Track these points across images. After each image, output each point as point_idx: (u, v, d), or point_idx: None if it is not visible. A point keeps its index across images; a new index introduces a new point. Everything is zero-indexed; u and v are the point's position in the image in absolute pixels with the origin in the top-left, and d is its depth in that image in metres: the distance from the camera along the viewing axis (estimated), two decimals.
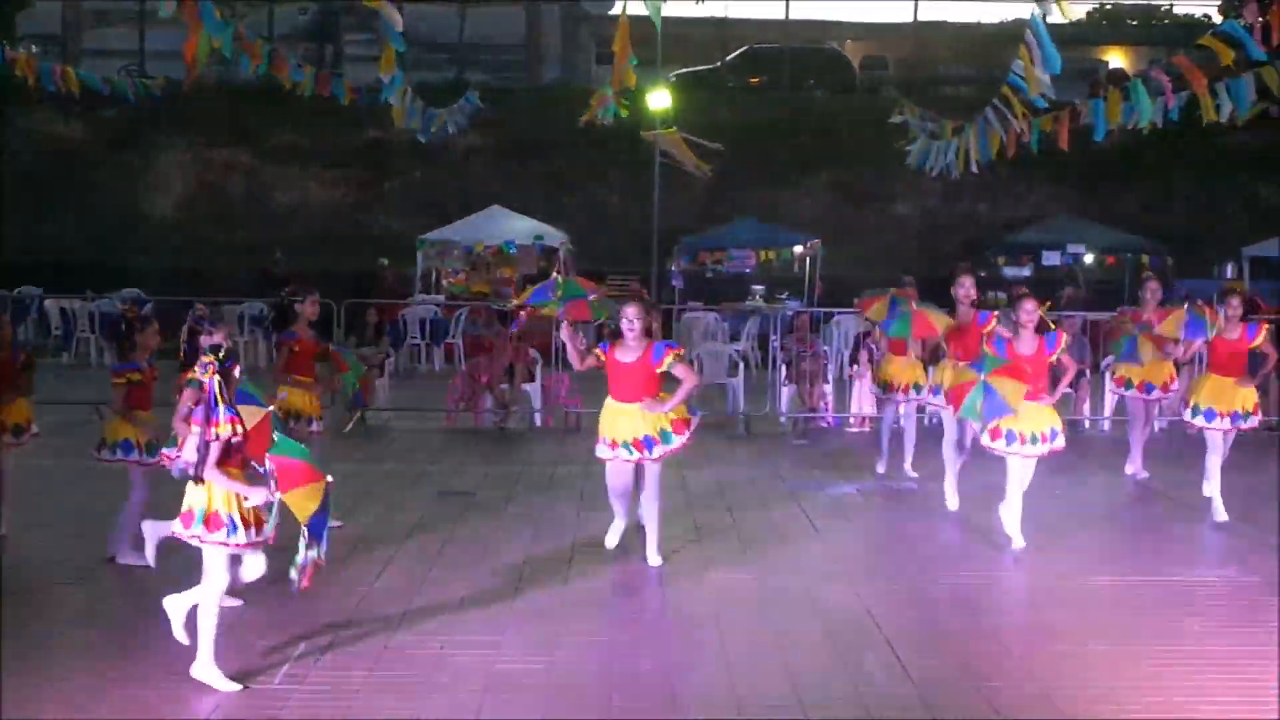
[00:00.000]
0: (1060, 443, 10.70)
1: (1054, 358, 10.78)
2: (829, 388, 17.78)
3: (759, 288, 29.71)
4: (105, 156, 36.12)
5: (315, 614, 8.68)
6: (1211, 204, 35.78)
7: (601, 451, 10.08)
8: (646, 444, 9.88)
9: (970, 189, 32.38)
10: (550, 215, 30.95)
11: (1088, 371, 16.99)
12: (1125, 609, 9.33)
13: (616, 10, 26.26)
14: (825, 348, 18.53)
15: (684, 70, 39.44)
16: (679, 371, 9.95)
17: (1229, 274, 30.70)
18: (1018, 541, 10.67)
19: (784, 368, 17.82)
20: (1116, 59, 46.01)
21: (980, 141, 17.90)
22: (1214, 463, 12.03)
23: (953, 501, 12.20)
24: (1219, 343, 12.23)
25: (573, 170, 35.58)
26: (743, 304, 26.67)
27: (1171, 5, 51.02)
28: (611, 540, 10.39)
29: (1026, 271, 32.34)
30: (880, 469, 14.14)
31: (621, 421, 9.94)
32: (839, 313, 20.03)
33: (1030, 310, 10.71)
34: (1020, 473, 10.68)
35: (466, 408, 17.48)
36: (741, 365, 18.61)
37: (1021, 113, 16.13)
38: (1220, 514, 11.86)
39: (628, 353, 9.94)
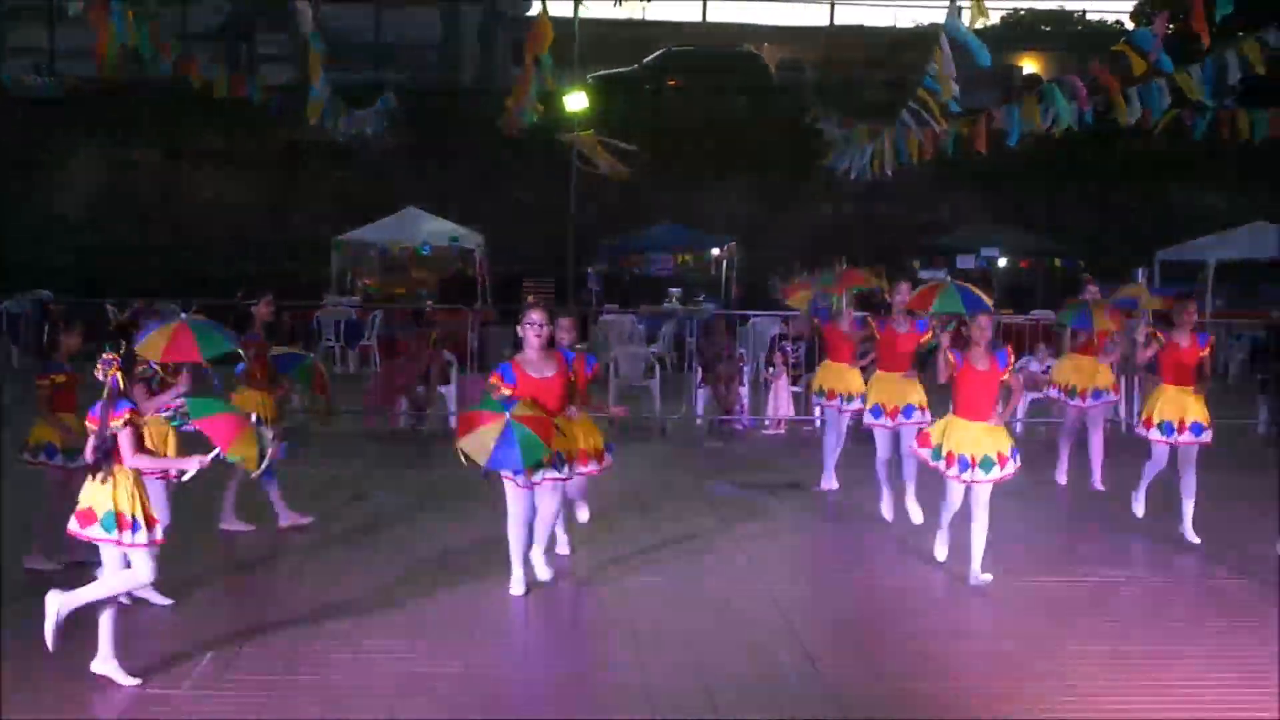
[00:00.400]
0: (1010, 469, 9.87)
1: (1006, 375, 9.94)
2: (745, 390, 17.81)
3: (676, 290, 29.73)
4: (14, 155, 35.57)
5: (227, 618, 8.61)
6: (1123, 208, 36.18)
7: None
8: (557, 462, 9.24)
9: (887, 192, 32.55)
10: (466, 217, 30.77)
11: None
12: (1040, 609, 9.39)
13: (535, 11, 26.20)
14: (742, 350, 18.56)
15: (601, 72, 39.40)
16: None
17: (1140, 277, 31.04)
18: (940, 553, 10.34)
19: (699, 370, 17.84)
20: (1030, 65, 46.42)
21: (898, 144, 18.05)
22: (1150, 472, 11.64)
23: (889, 515, 11.72)
24: (1172, 351, 11.46)
25: (490, 172, 35.42)
26: (660, 306, 26.69)
27: (1084, 12, 51.55)
28: (517, 589, 9.30)
29: (942, 274, 32.58)
30: (828, 483, 13.35)
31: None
32: (755, 315, 20.07)
33: (984, 326, 10.02)
34: (952, 497, 10.00)
35: (382, 410, 17.38)
36: (658, 367, 18.61)
37: (939, 114, 16.27)
38: (1139, 511, 11.73)
39: (540, 368, 9.19)
